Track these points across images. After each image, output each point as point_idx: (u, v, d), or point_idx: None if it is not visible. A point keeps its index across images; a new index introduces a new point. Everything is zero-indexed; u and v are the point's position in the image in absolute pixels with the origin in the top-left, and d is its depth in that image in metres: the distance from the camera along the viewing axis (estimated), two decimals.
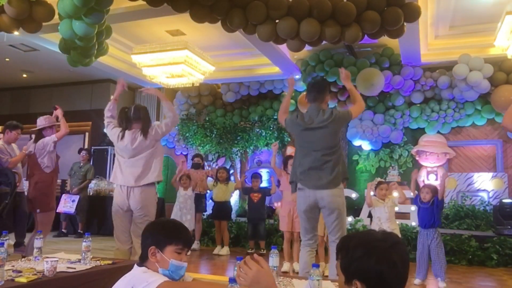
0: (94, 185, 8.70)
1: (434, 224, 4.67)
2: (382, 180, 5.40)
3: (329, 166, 3.58)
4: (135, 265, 2.01)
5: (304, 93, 8.49)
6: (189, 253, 6.87)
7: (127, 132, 4.05)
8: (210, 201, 7.23)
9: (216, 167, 9.24)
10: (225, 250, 6.64)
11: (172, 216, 6.60)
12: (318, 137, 3.63)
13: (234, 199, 8.86)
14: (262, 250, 6.61)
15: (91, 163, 8.71)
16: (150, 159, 4.03)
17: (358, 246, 1.33)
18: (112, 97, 4.48)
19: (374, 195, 5.10)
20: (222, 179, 6.92)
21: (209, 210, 7.62)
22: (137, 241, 3.93)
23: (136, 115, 4.06)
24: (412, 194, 5.15)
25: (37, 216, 4.83)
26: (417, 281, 4.71)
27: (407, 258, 1.36)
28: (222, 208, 6.85)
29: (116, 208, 4.07)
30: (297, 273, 4.97)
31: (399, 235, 5.10)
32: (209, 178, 7.32)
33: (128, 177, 4.00)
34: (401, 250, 1.33)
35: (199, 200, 6.97)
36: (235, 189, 7.10)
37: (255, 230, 6.69)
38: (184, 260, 1.99)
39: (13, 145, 5.73)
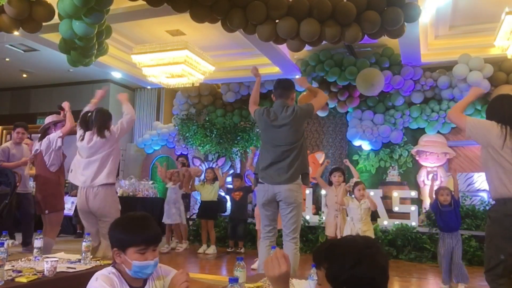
0: None
1: (458, 225, 4.60)
2: (359, 180, 5.48)
3: (288, 161, 3.70)
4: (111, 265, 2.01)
5: (305, 92, 8.49)
6: (180, 247, 6.78)
7: (87, 133, 4.19)
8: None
9: (216, 166, 9.26)
10: (211, 249, 6.71)
11: (165, 211, 6.84)
12: (281, 133, 3.76)
13: None
14: (240, 249, 6.72)
15: None
16: (105, 161, 4.11)
17: (346, 256, 1.34)
18: (93, 100, 4.61)
19: (352, 195, 5.14)
20: (209, 179, 6.98)
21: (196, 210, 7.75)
22: (105, 241, 4.03)
23: (95, 118, 4.18)
24: (412, 193, 5.10)
25: (46, 217, 4.78)
26: (445, 287, 4.59)
27: (388, 258, 1.42)
28: (209, 208, 6.91)
29: (79, 209, 4.19)
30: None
31: (373, 237, 5.18)
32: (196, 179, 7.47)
33: (84, 177, 4.10)
34: (384, 253, 1.39)
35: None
36: (220, 187, 7.14)
37: (234, 230, 6.82)
38: (150, 258, 1.90)
39: (24, 145, 5.69)
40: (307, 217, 7.17)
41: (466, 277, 4.48)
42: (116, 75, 9.15)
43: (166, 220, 6.81)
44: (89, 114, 4.26)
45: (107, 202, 4.09)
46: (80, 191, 4.14)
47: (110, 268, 1.96)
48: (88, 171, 4.09)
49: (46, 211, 4.71)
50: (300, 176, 3.75)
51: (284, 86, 3.92)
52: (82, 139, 4.18)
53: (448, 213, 4.57)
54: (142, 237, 1.90)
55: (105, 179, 4.08)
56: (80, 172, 4.15)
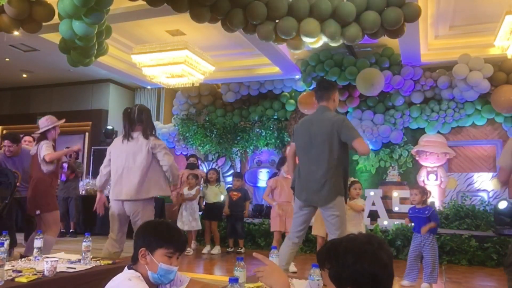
0: (85, 185, 8.72)
1: (430, 231, 4.47)
2: (356, 179, 5.47)
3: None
4: (126, 267, 2.00)
5: (305, 93, 8.50)
6: (189, 251, 6.73)
7: (132, 133, 3.90)
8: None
9: (217, 167, 9.26)
10: (216, 249, 6.71)
11: (178, 217, 6.66)
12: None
13: None
14: (240, 248, 6.69)
15: (79, 160, 8.77)
16: (149, 170, 3.82)
17: (347, 253, 1.35)
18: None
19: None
20: (212, 181, 6.95)
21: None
22: None
23: (139, 117, 3.91)
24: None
25: (37, 218, 4.78)
26: (405, 282, 4.57)
27: (392, 255, 1.43)
28: (213, 209, 6.85)
29: (111, 211, 3.95)
30: (293, 272, 5.00)
31: None
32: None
33: (128, 187, 3.80)
34: (387, 249, 1.38)
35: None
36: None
37: (233, 229, 6.79)
38: (174, 264, 1.95)
39: (25, 147, 5.57)
40: None
41: (434, 279, 4.43)
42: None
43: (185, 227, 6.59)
44: (129, 111, 3.98)
45: (146, 210, 3.92)
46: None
47: (133, 271, 1.96)
48: (132, 178, 3.83)
49: (38, 212, 4.69)
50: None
51: (325, 86, 3.75)
52: (129, 139, 3.88)
53: (420, 219, 4.50)
54: (173, 240, 1.97)
55: (152, 191, 3.86)
56: (120, 180, 3.88)
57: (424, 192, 4.59)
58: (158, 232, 1.98)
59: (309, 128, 3.66)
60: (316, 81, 7.83)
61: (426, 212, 4.49)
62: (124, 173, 3.83)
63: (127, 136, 3.90)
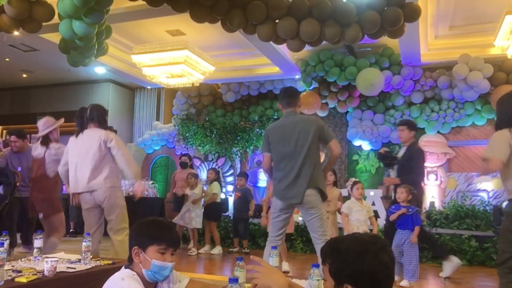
0: None
1: (409, 227, 4.58)
2: (357, 180, 5.50)
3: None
4: (123, 267, 2.01)
5: (305, 93, 8.50)
6: (192, 251, 6.72)
7: (85, 131, 4.10)
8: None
9: (217, 167, 9.26)
10: (217, 250, 6.69)
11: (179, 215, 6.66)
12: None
13: None
14: (245, 249, 6.68)
15: None
16: (101, 163, 3.98)
17: (349, 250, 1.35)
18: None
19: (349, 195, 5.14)
20: (209, 180, 6.93)
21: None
22: (115, 238, 4.00)
23: (91, 115, 4.10)
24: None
25: (43, 222, 4.76)
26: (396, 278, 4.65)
27: (395, 259, 1.43)
28: (210, 209, 6.85)
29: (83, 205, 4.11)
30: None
31: None
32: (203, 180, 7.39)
33: (82, 181, 3.99)
34: (390, 252, 1.38)
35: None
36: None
37: (236, 229, 6.82)
38: (168, 260, 1.94)
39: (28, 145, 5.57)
40: None
41: (413, 276, 4.48)
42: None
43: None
44: (83, 110, 4.17)
45: (114, 198, 4.09)
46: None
47: (128, 270, 1.96)
48: (84, 170, 4.03)
49: (41, 215, 4.67)
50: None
51: (291, 94, 3.88)
52: (79, 135, 4.10)
53: (402, 217, 4.59)
54: (165, 236, 1.96)
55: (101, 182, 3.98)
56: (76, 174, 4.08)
57: (410, 192, 4.64)
58: (149, 229, 1.99)
59: (289, 132, 3.71)
60: (316, 83, 7.84)
61: (410, 210, 4.58)
62: (78, 168, 4.03)
63: (79, 133, 4.12)
